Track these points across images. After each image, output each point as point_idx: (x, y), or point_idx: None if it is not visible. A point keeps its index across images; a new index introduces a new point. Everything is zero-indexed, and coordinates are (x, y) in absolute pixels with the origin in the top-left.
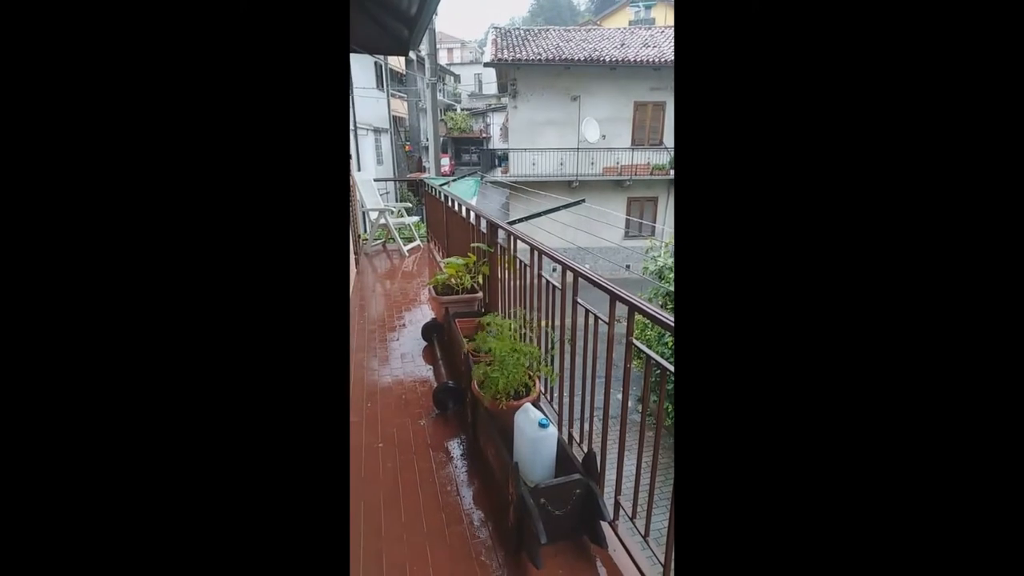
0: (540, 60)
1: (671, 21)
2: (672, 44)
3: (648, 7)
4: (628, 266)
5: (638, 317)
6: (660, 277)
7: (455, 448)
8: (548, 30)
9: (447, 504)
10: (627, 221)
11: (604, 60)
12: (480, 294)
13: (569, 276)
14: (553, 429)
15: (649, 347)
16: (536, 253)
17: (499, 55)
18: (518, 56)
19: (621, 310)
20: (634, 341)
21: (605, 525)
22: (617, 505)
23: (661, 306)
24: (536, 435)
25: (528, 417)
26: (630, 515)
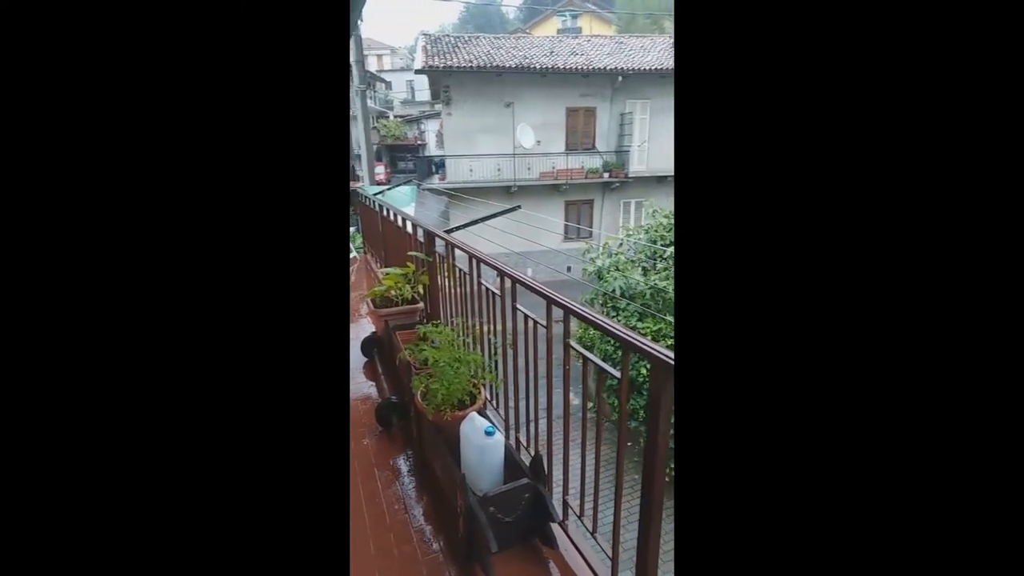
0: (472, 67)
1: (596, 31)
2: (598, 53)
3: (574, 17)
4: (569, 268)
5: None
6: (599, 278)
7: (401, 465)
8: (479, 37)
9: (395, 523)
10: (566, 225)
11: (535, 67)
12: (421, 304)
13: (508, 282)
14: (499, 436)
15: (592, 345)
16: (474, 261)
17: (430, 62)
18: (449, 63)
19: (563, 314)
20: (571, 343)
21: (556, 526)
22: (566, 505)
23: (602, 305)
24: (483, 443)
25: (474, 426)
26: (578, 513)
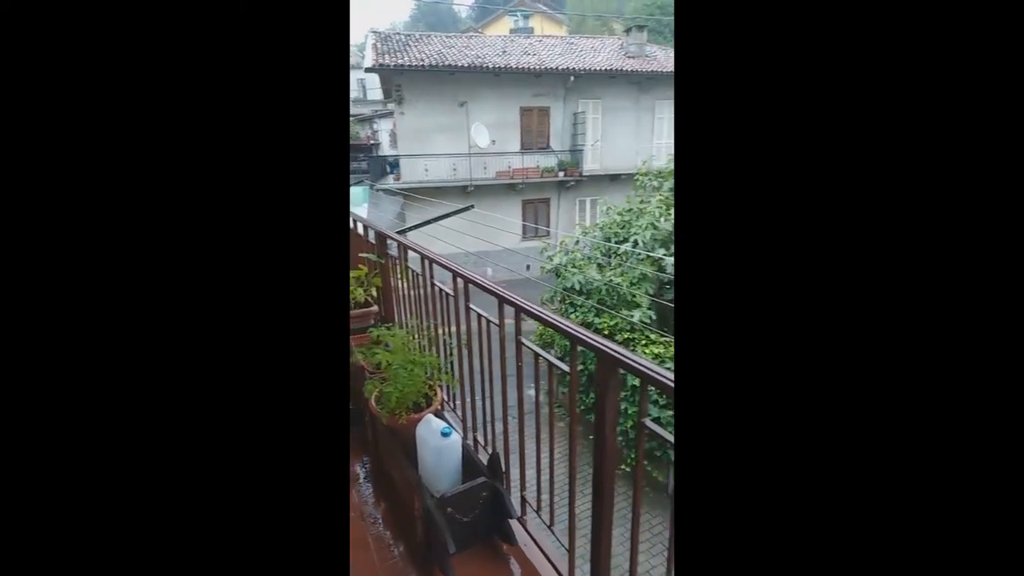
0: (424, 66)
1: (547, 31)
2: (550, 53)
3: (526, 17)
4: (528, 266)
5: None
6: (557, 276)
7: (357, 472)
8: (430, 36)
9: (352, 531)
10: (523, 225)
11: (488, 67)
12: (375, 307)
13: (461, 282)
14: (456, 436)
15: (552, 342)
16: (427, 262)
17: (380, 60)
18: (400, 61)
19: (515, 312)
20: (523, 340)
21: (515, 522)
22: (523, 501)
23: (560, 302)
24: (439, 445)
25: (430, 428)
26: (536, 508)
